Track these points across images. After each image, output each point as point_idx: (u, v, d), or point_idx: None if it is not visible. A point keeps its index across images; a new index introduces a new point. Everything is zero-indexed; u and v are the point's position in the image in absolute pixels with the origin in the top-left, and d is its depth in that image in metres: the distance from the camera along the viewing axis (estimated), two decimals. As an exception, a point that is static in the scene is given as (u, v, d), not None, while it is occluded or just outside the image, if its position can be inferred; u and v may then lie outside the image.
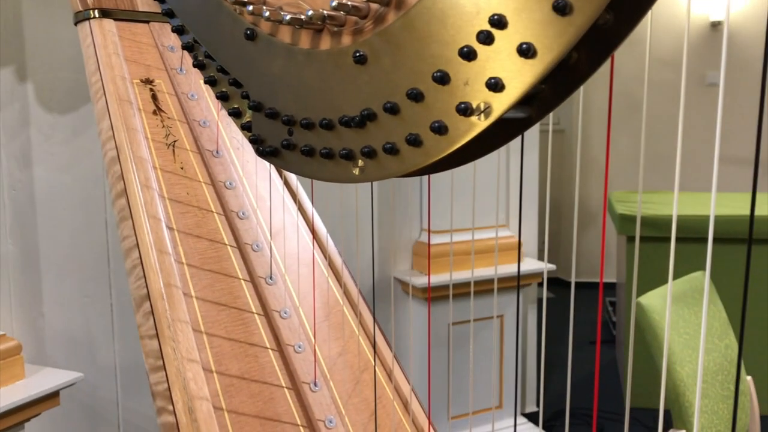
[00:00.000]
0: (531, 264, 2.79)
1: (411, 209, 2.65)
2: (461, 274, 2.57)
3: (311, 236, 1.03)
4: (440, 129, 0.42)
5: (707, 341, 1.84)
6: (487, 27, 0.41)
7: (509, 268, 2.70)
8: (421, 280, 2.54)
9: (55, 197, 1.96)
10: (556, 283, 4.58)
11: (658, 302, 1.77)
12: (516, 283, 2.71)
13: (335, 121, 0.51)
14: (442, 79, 0.43)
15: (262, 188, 1.01)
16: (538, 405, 2.93)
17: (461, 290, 2.59)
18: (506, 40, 0.40)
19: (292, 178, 1.10)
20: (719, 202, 3.02)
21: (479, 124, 0.40)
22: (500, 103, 0.40)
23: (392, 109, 0.47)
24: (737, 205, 2.91)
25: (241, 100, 0.64)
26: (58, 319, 1.98)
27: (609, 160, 0.53)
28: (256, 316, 0.89)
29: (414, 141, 0.45)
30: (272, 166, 0.89)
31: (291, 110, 0.56)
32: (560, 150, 4.57)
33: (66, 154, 1.94)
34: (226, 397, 0.80)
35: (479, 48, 0.41)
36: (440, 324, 2.61)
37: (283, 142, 0.58)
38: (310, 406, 0.85)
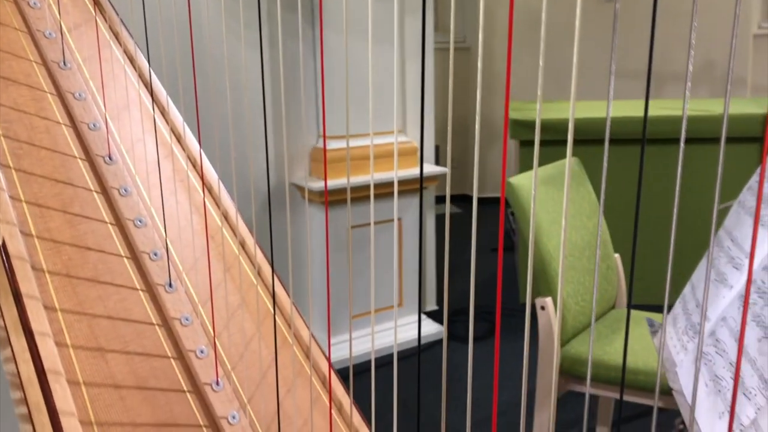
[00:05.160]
0: (428, 168, 2.87)
1: (307, 115, 2.67)
2: (359, 179, 2.63)
3: (154, 106, 1.05)
4: None
5: (576, 220, 1.96)
6: None
7: (407, 173, 2.77)
8: (318, 185, 2.58)
9: None
10: (463, 199, 4.73)
11: (528, 182, 1.87)
12: (413, 186, 2.79)
13: None
14: None
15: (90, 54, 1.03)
16: (437, 304, 3.07)
17: (357, 194, 2.65)
18: None
19: (131, 45, 1.12)
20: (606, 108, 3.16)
21: None
22: None
23: None
24: (622, 109, 3.07)
25: None
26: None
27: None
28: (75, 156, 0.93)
29: None
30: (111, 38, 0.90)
31: None
32: (466, 68, 4.64)
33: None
34: (14, 158, 0.84)
35: None
36: (339, 228, 2.67)
37: None
38: (120, 211, 0.90)
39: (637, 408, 2.35)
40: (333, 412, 0.94)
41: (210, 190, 1.03)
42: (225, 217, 1.00)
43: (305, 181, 2.64)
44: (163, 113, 1.03)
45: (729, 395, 0.80)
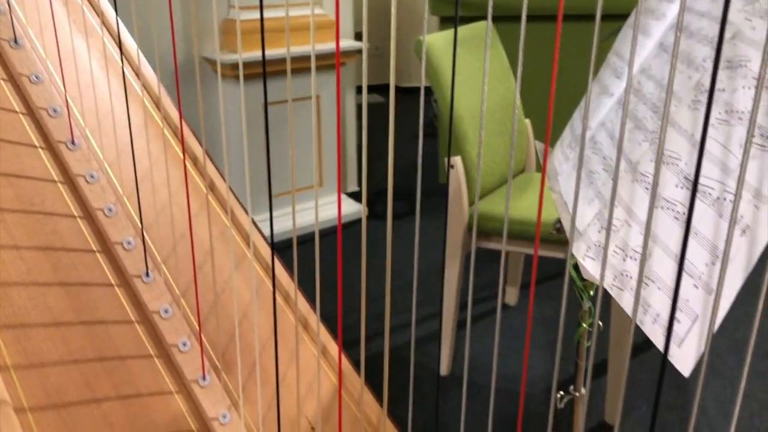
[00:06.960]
0: (347, 43, 2.80)
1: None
2: (273, 52, 2.54)
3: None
4: None
5: (487, 82, 1.97)
6: None
7: (325, 46, 2.70)
8: (230, 58, 2.49)
9: None
10: (386, 89, 4.68)
11: (438, 42, 1.85)
12: (331, 61, 2.73)
13: None
14: None
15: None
16: (358, 185, 3.08)
17: (272, 68, 2.57)
18: None
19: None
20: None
21: None
22: None
23: None
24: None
25: None
26: None
27: None
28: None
29: None
30: None
31: None
32: (389, -50, 4.48)
33: None
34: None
35: None
36: (254, 104, 2.60)
37: None
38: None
39: (546, 272, 2.47)
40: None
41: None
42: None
43: (216, 55, 2.54)
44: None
45: (599, 184, 0.83)
